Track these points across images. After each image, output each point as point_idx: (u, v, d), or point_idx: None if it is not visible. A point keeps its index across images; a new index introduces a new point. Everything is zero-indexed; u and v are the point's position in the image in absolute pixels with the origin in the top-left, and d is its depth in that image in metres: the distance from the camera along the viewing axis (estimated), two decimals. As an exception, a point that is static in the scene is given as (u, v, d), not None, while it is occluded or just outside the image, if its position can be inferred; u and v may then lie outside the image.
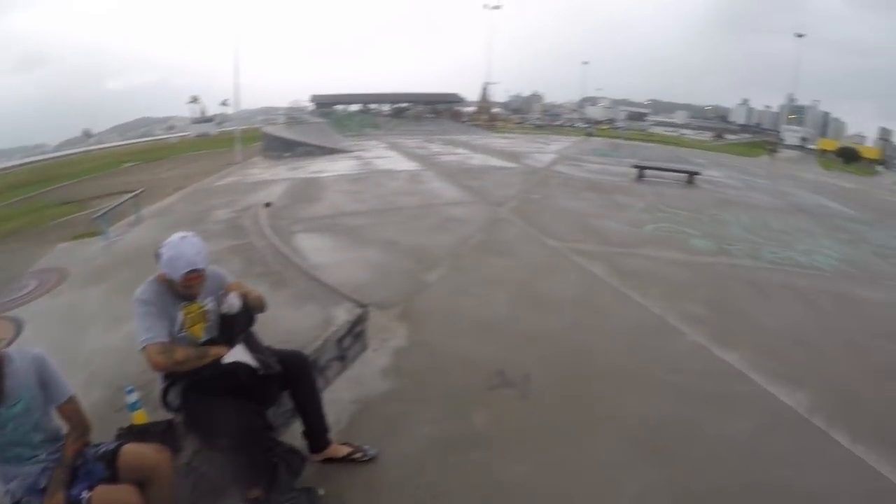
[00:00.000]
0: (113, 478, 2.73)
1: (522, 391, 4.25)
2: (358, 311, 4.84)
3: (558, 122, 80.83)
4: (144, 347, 3.02)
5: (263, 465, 3.13)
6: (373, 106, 58.32)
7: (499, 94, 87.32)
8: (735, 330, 5.82)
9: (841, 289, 7.84)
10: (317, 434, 3.54)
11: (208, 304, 3.37)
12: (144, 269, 7.73)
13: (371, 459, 3.57)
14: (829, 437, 4.08)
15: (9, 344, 5.95)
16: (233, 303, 3.30)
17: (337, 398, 3.96)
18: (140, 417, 3.47)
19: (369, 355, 4.84)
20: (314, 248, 7.46)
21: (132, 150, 73.81)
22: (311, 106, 48.92)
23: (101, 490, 2.59)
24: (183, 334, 3.23)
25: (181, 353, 3.09)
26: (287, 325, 4.20)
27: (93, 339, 5.01)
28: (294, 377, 3.43)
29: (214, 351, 3.19)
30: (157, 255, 3.14)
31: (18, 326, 6.60)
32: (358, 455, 3.58)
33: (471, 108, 67.08)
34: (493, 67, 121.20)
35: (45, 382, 2.71)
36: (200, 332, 3.32)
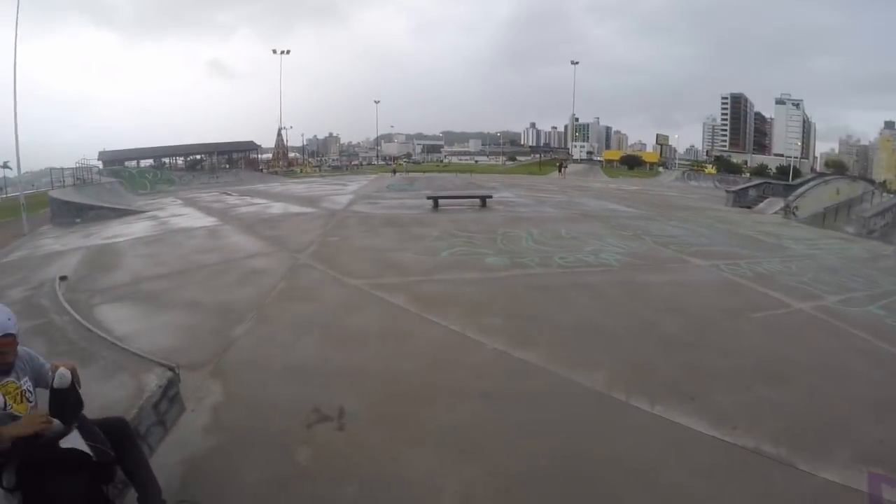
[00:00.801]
0: None
1: (339, 423, 4.53)
2: (169, 374, 4.85)
3: (356, 162, 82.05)
4: None
5: None
6: (166, 160, 55.85)
7: (295, 138, 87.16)
8: (531, 332, 6.51)
9: (627, 278, 9.00)
10: (151, 498, 3.51)
11: (25, 384, 3.32)
12: None
13: None
14: (629, 406, 4.78)
15: None
16: (63, 374, 3.25)
17: (164, 463, 3.99)
18: None
19: (188, 416, 4.87)
20: (117, 318, 7.19)
21: None
22: (99, 164, 46.02)
23: None
24: (9, 411, 3.17)
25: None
26: (101, 399, 4.17)
27: None
28: (119, 443, 3.41)
29: (25, 423, 3.07)
30: None
31: None
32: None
33: (267, 155, 66.34)
34: (287, 112, 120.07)
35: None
36: (25, 411, 3.26)
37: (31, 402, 3.32)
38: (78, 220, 21.36)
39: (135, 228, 16.24)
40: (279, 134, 69.94)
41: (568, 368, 5.47)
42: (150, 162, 53.46)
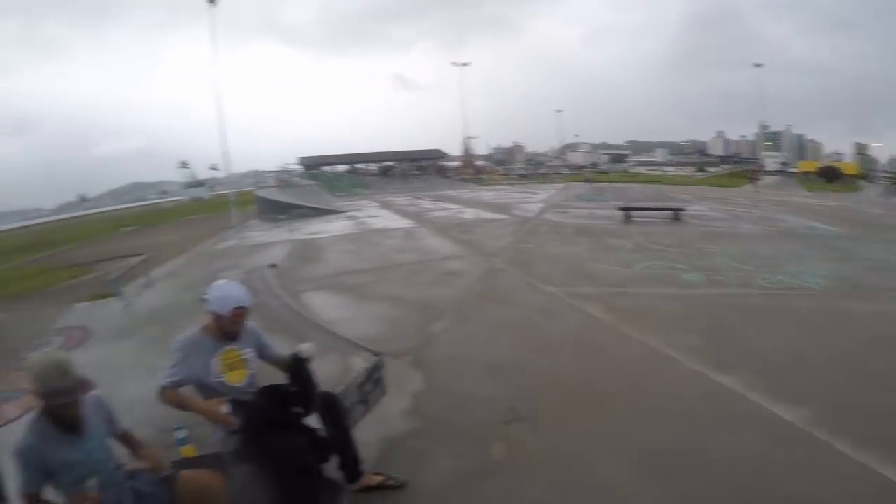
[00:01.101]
0: (172, 501, 3.10)
1: (533, 424, 4.50)
2: (374, 359, 5.13)
3: (542, 171, 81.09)
4: (163, 389, 3.44)
5: (308, 495, 3.38)
6: (359, 165, 58.83)
7: (480, 147, 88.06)
8: (729, 355, 6.06)
9: (832, 305, 8.09)
10: (351, 465, 3.78)
11: (247, 353, 3.69)
12: (166, 327, 8.20)
13: (402, 486, 3.87)
14: (832, 448, 4.30)
15: None
16: (307, 348, 3.62)
17: (363, 438, 4.14)
18: (189, 451, 3.82)
19: (389, 399, 5.09)
20: (324, 304, 7.80)
21: (129, 214, 74.25)
22: (299, 168, 49.26)
23: None
24: (220, 380, 3.54)
25: (176, 402, 3.44)
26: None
27: (130, 390, 5.26)
28: (327, 413, 3.69)
29: (204, 409, 3.41)
30: (203, 300, 3.53)
31: None
32: (390, 482, 3.88)
33: (455, 163, 67.66)
34: (471, 121, 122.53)
35: (108, 418, 3.14)
36: (240, 379, 3.62)
37: (250, 370, 3.68)
38: (282, 216, 23.06)
39: (335, 226, 17.34)
40: (466, 142, 71.24)
41: (769, 399, 5.01)
42: (345, 167, 56.68)
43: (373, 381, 5.00)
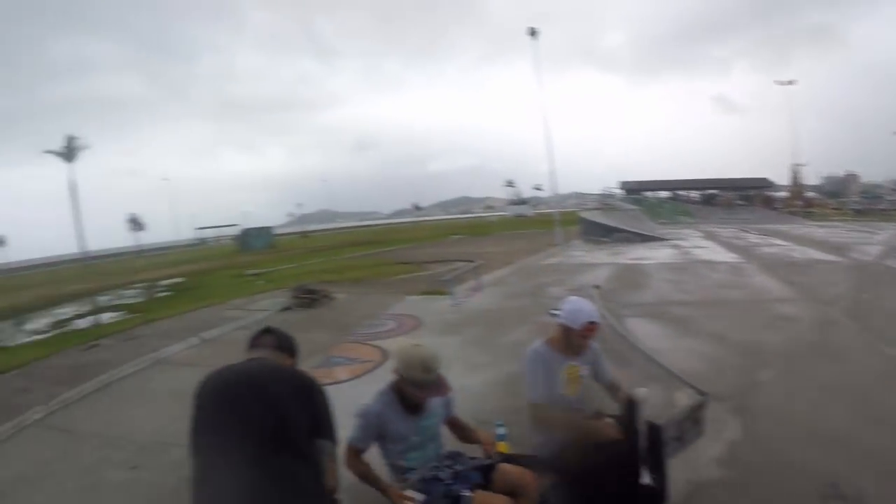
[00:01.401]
0: (485, 486, 3.37)
1: None
2: (699, 397, 5.01)
3: (881, 206, 69.08)
4: (532, 405, 3.72)
5: None
6: (681, 192, 56.86)
7: (809, 177, 77.96)
8: None
9: None
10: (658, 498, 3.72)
11: (584, 371, 3.89)
12: (490, 329, 8.77)
13: None
14: None
15: (375, 367, 7.56)
16: (643, 393, 3.66)
17: (672, 476, 3.98)
18: (504, 447, 4.08)
19: (704, 442, 4.91)
20: (646, 331, 7.77)
21: (456, 224, 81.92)
22: (620, 192, 49.18)
23: (482, 493, 3.20)
24: (560, 393, 3.78)
25: (555, 420, 3.68)
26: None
27: (452, 381, 5.84)
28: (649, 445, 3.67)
29: (601, 430, 3.56)
30: (554, 314, 3.82)
31: (384, 354, 8.07)
32: None
33: (782, 194, 61.99)
34: (799, 147, 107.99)
35: (447, 402, 3.56)
36: (574, 394, 3.85)
37: (583, 387, 3.89)
38: (605, 238, 23.36)
39: (658, 254, 17.10)
40: (794, 170, 64.42)
41: None
42: (666, 193, 55.17)
43: (693, 419, 4.91)
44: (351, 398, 5.49)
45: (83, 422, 6.58)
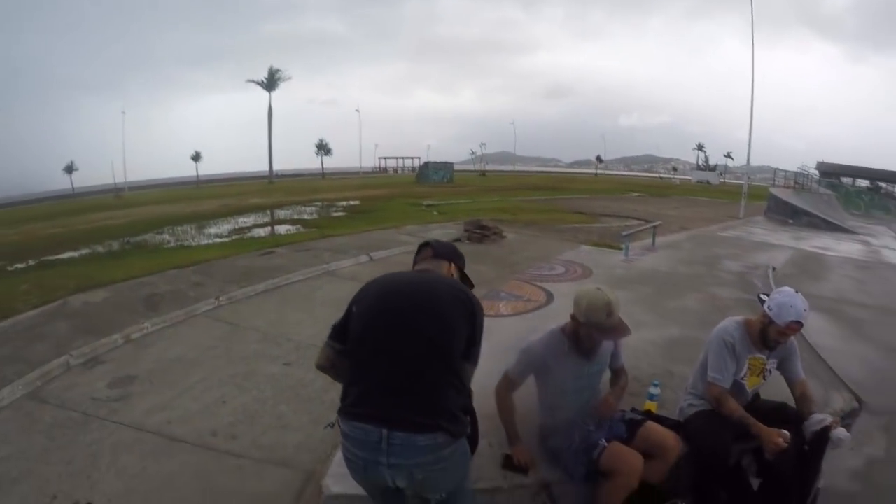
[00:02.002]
0: (628, 440, 3.57)
1: None
2: (854, 403, 5.11)
3: None
4: (711, 383, 3.71)
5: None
6: (883, 185, 51.29)
7: None
8: None
9: None
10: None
11: (770, 365, 3.87)
12: (659, 290, 9.50)
13: None
14: None
15: (540, 307, 7.92)
16: (842, 436, 3.41)
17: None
18: (652, 406, 4.37)
19: (844, 450, 4.61)
20: (815, 326, 7.29)
21: (637, 181, 79.94)
22: (815, 173, 45.56)
23: (616, 445, 3.36)
24: (741, 380, 3.81)
25: (728, 409, 3.58)
26: (789, 394, 4.31)
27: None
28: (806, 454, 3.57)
29: (761, 430, 3.41)
30: (762, 299, 3.80)
31: (549, 296, 8.43)
32: None
33: None
34: None
35: (616, 351, 3.78)
36: (754, 385, 3.90)
37: (764, 380, 3.90)
38: (790, 220, 22.10)
39: (845, 247, 15.95)
40: None
41: None
42: (865, 183, 49.99)
43: (841, 424, 4.97)
44: (510, 333, 5.86)
45: (248, 318, 7.32)
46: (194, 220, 21.42)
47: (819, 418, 3.54)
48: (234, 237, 16.33)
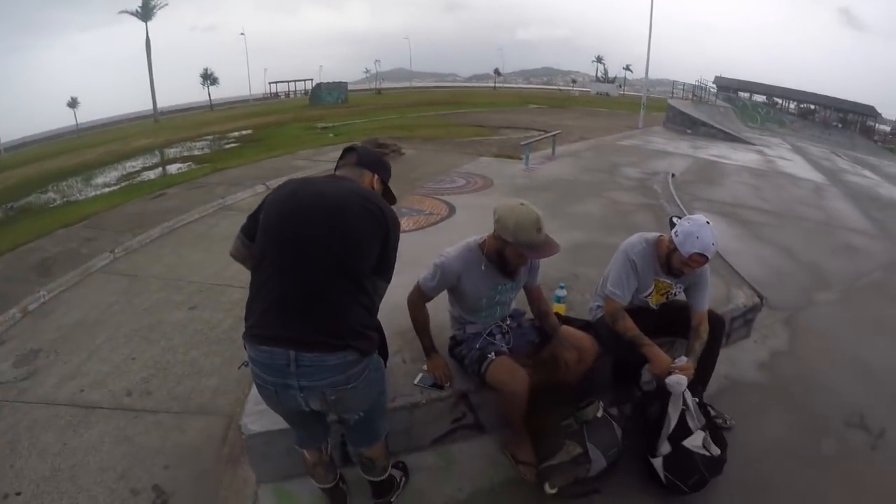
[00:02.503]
0: (540, 344, 3.54)
1: (875, 442, 3.95)
2: (756, 300, 5.11)
3: None
4: (609, 297, 3.57)
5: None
6: (777, 101, 53.42)
7: None
8: None
9: None
10: (697, 385, 3.63)
11: (677, 290, 3.73)
12: (560, 197, 9.04)
13: (728, 429, 3.77)
14: None
15: (443, 219, 7.81)
16: (679, 382, 3.23)
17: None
18: (560, 309, 4.22)
19: (749, 344, 5.08)
20: (716, 229, 7.47)
21: (536, 94, 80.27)
22: (713, 87, 46.86)
23: (501, 360, 3.20)
24: (645, 298, 3.70)
25: (622, 327, 3.47)
26: None
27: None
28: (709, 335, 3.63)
29: (652, 354, 3.38)
30: (672, 223, 3.54)
31: (451, 209, 8.32)
32: (719, 420, 3.76)
33: (885, 128, 58.07)
34: None
35: (535, 268, 3.49)
36: (658, 301, 3.78)
37: (667, 299, 3.78)
38: (689, 131, 22.60)
39: (741, 156, 16.41)
40: None
41: None
42: (761, 98, 51.89)
43: (744, 319, 5.03)
44: (414, 249, 5.56)
45: (146, 266, 6.99)
46: (79, 172, 19.99)
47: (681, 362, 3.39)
48: (122, 184, 15.38)
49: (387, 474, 2.98)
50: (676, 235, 3.33)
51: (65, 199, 14.17)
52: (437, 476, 3.40)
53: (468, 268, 3.28)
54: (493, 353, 3.28)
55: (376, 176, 2.69)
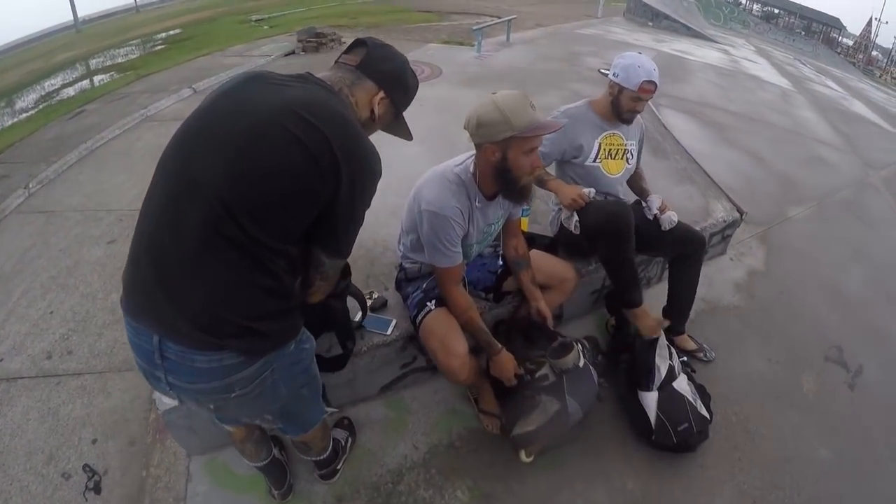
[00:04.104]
0: (502, 275, 3.09)
1: (852, 380, 3.82)
2: (735, 214, 4.72)
3: None
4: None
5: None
6: (742, 1, 53.07)
7: (885, 38, 72.06)
8: None
9: None
10: (678, 317, 3.57)
11: (630, 144, 3.42)
12: (514, 85, 8.40)
13: (708, 362, 3.64)
14: None
15: None
16: (672, 219, 3.29)
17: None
18: (524, 224, 3.68)
19: (725, 262, 4.79)
20: (683, 129, 7.23)
21: None
22: (678, -20, 45.95)
23: (434, 316, 2.71)
24: (595, 164, 3.30)
25: (542, 177, 3.20)
26: (664, 195, 4.13)
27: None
28: (685, 256, 3.42)
29: (554, 186, 3.20)
30: (604, 72, 3.21)
31: None
32: (700, 354, 3.64)
33: (847, 41, 58.88)
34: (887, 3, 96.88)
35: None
36: (617, 171, 3.38)
37: (628, 164, 3.44)
38: (650, 23, 22.02)
39: (704, 53, 15.83)
40: (869, 24, 60.70)
41: None
42: (727, -3, 51.50)
43: (722, 235, 4.69)
44: None
45: (63, 199, 6.22)
46: None
47: (654, 200, 3.40)
48: (40, 107, 13.98)
49: (328, 452, 2.58)
50: (616, 76, 3.13)
51: (-21, 134, 12.95)
52: (388, 431, 3.10)
53: (464, 208, 2.56)
54: (433, 302, 2.76)
55: (382, 93, 1.81)
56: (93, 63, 20.14)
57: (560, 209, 3.39)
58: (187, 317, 1.51)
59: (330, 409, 2.37)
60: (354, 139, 1.61)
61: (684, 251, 3.41)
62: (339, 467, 2.77)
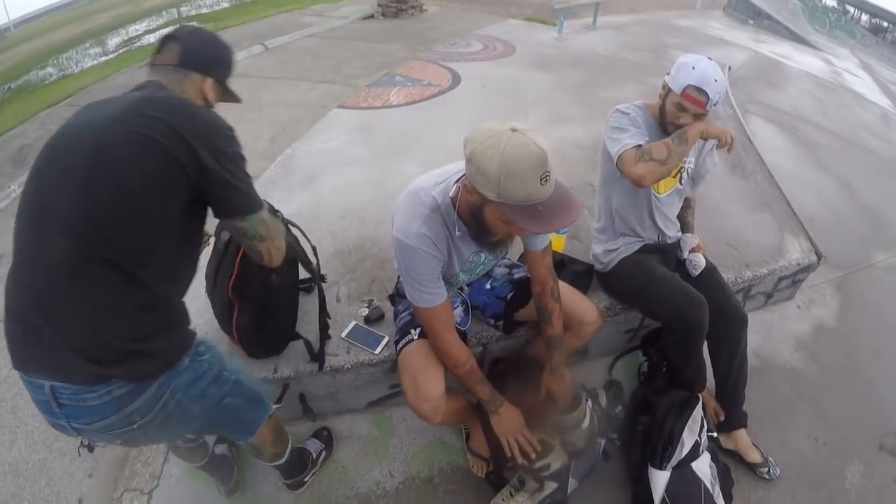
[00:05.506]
0: (515, 301, 2.65)
1: None
2: (813, 257, 4.04)
3: None
4: (620, 157, 2.57)
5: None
6: (850, 8, 50.49)
7: None
8: None
9: None
10: (730, 404, 2.94)
11: (688, 161, 2.88)
12: (592, 77, 7.87)
13: (770, 481, 2.91)
14: None
15: (441, 92, 6.92)
16: (697, 263, 2.91)
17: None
18: (559, 243, 3.32)
19: (791, 310, 4.18)
20: (770, 143, 6.56)
21: None
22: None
23: (413, 348, 2.30)
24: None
25: (658, 151, 2.49)
26: (736, 223, 3.64)
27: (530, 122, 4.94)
28: (723, 334, 2.80)
29: (710, 130, 2.58)
30: (670, 75, 2.63)
31: (456, 78, 7.48)
32: (763, 470, 2.91)
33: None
34: None
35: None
36: (665, 189, 2.89)
37: (680, 184, 2.92)
38: (751, 21, 20.96)
39: (804, 60, 14.60)
40: None
41: None
42: (833, 3, 49.01)
43: (792, 280, 4.05)
44: (394, 130, 5.25)
45: None
46: (82, 41, 18.88)
47: (689, 240, 3.01)
48: (120, 51, 14.17)
49: (283, 459, 2.43)
50: (668, 73, 2.63)
51: (61, 74, 13.11)
52: (367, 451, 2.96)
53: (438, 237, 2.07)
54: (416, 331, 2.33)
55: (209, 80, 1.90)
56: (179, 10, 20.51)
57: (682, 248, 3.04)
58: (76, 348, 1.49)
59: (274, 406, 2.20)
60: (195, 117, 1.63)
61: (719, 326, 2.76)
62: (306, 479, 2.71)
